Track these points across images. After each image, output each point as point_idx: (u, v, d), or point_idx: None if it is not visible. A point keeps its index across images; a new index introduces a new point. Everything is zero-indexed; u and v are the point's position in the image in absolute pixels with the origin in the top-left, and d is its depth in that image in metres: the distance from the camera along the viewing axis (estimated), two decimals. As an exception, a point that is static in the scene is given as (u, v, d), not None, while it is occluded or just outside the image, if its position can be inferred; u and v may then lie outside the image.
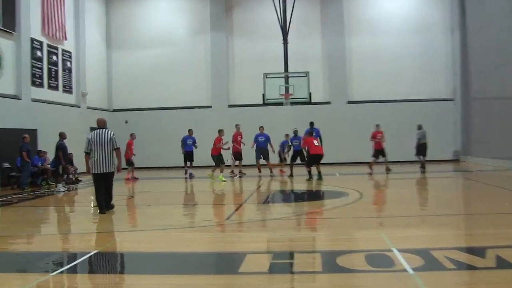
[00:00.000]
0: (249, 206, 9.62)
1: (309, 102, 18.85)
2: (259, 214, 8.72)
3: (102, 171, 8.72)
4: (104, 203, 8.78)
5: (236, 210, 9.04)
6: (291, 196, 11.69)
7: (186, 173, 16.91)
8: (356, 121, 21.72)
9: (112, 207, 8.96)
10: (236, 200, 10.78)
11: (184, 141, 17.17)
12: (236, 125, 17.63)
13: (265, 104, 19.26)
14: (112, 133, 8.88)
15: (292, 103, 18.88)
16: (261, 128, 17.35)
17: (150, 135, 22.42)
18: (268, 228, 7.28)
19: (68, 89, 19.62)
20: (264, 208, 9.45)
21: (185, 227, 7.38)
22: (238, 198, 11.11)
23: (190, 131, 17.37)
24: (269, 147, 16.90)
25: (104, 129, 8.88)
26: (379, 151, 16.65)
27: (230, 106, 22.55)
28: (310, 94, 18.67)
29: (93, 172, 8.77)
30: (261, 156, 16.84)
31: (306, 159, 14.81)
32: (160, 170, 21.26)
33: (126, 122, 22.69)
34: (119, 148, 8.92)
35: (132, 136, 16.79)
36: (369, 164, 16.94)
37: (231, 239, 6.53)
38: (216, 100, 22.57)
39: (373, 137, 16.82)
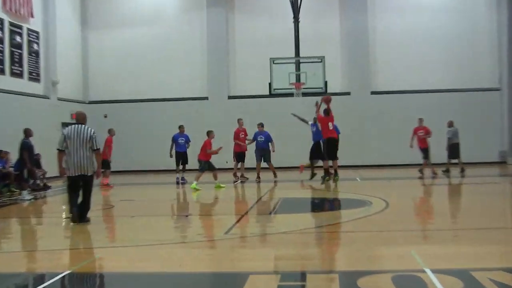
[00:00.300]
0: (253, 217, 9.74)
1: (325, 93, 18.89)
2: (264, 226, 8.81)
3: (77, 174, 8.76)
4: (78, 213, 8.81)
5: (237, 222, 9.07)
6: (302, 206, 11.75)
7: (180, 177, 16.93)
8: (381, 116, 21.90)
9: (87, 220, 8.94)
10: (237, 210, 10.80)
11: (175, 140, 17.19)
12: (239, 120, 17.68)
13: (272, 95, 19.39)
14: (92, 131, 8.92)
15: (305, 94, 18.93)
16: (260, 125, 17.32)
17: (134, 133, 22.47)
18: (275, 243, 7.31)
19: (35, 77, 19.64)
20: (270, 220, 9.54)
21: (176, 243, 7.41)
22: (239, 208, 11.15)
23: (181, 128, 17.43)
24: (270, 147, 16.92)
25: (83, 126, 8.92)
26: (423, 150, 16.74)
27: (230, 97, 22.57)
28: (326, 83, 18.82)
29: (68, 174, 8.82)
30: (262, 158, 16.88)
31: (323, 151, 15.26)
32: (146, 174, 21.37)
33: (105, 116, 22.75)
34: (99, 149, 8.98)
35: (111, 132, 16.68)
36: (421, 166, 16.91)
37: (231, 257, 6.55)
38: (213, 90, 22.58)
39: (414, 133, 16.84)
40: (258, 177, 16.64)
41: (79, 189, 8.88)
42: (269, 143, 16.85)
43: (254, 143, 17.19)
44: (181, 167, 17.01)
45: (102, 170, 15.20)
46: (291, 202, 12.13)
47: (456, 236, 7.40)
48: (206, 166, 14.89)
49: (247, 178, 16.90)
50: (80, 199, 8.92)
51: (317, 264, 6.07)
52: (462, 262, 5.70)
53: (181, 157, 17.02)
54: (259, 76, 20.83)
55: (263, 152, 16.85)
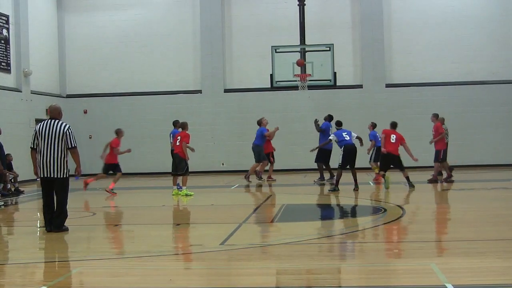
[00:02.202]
0: (252, 226, 9.81)
1: (334, 85, 19.01)
2: (265, 236, 8.90)
3: (46, 175, 8.84)
4: (50, 219, 8.83)
5: (235, 231, 9.09)
6: (308, 213, 11.84)
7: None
8: (397, 112, 21.70)
9: (62, 227, 8.95)
10: (234, 218, 10.80)
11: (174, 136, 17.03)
12: (262, 120, 17.62)
13: (273, 88, 19.64)
14: (67, 126, 8.94)
15: (311, 87, 19.17)
16: (262, 120, 17.56)
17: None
18: (277, 255, 7.33)
19: (4, 67, 19.68)
20: (272, 229, 9.62)
21: (166, 255, 7.43)
22: (238, 215, 11.15)
23: (177, 124, 17.18)
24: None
25: (56, 121, 8.96)
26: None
27: (226, 91, 22.68)
28: (335, 74, 18.89)
29: (39, 176, 8.92)
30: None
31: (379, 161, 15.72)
32: (133, 178, 21.40)
33: (85, 112, 22.83)
34: (75, 147, 8.99)
35: (119, 134, 15.77)
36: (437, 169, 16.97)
37: (228, 271, 6.57)
38: (207, 83, 22.69)
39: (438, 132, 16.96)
40: (270, 177, 17.52)
41: (51, 192, 8.92)
42: (261, 141, 17.25)
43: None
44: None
45: (111, 172, 15.38)
46: (295, 209, 12.20)
47: (481, 247, 7.41)
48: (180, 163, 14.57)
49: (274, 180, 17.54)
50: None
51: (325, 279, 6.08)
52: (488, 276, 5.72)
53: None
54: (259, 66, 20.90)
55: (254, 152, 17.28)
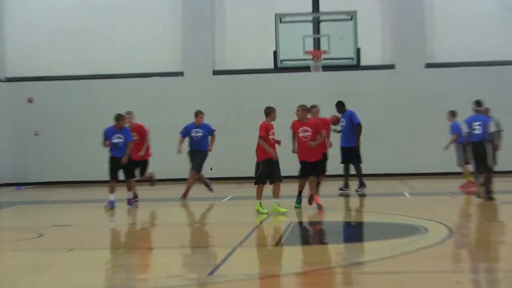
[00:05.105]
0: (250, 250, 9.76)
1: (357, 66, 19.02)
2: (266, 264, 8.86)
3: None
4: None
5: (228, 257, 9.05)
6: (322, 233, 11.90)
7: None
8: (440, 99, 22.00)
9: None
10: (227, 240, 10.81)
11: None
12: (313, 107, 16.10)
13: (278, 69, 19.56)
14: None
15: (327, 68, 19.10)
16: (199, 114, 16.94)
17: (76, 124, 22.54)
18: (283, 290, 7.28)
19: None
20: (275, 254, 9.60)
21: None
22: (231, 236, 11.17)
23: (120, 119, 16.78)
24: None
25: None
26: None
27: (216, 73, 22.89)
28: (358, 51, 18.79)
29: None
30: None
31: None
32: (93, 187, 21.39)
33: (30, 100, 22.81)
34: None
35: (129, 116, 16.12)
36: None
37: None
38: (191, 63, 22.91)
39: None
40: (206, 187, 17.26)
41: None
42: (210, 140, 16.89)
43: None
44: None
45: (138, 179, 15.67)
46: (306, 228, 12.27)
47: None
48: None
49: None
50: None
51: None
52: None
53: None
54: (259, 42, 20.94)
55: (196, 155, 16.79)
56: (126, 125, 15.56)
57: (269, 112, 13.65)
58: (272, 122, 13.76)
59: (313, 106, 15.19)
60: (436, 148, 21.27)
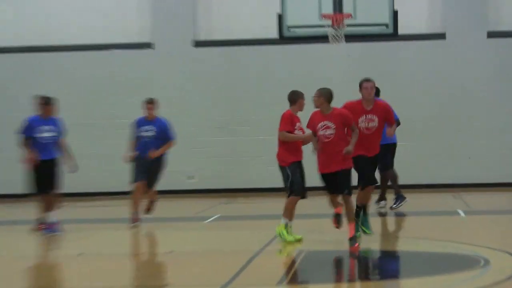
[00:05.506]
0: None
1: (394, 35, 19.38)
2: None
3: None
4: None
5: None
6: (344, 266, 12.04)
7: None
8: (508, 77, 22.45)
9: None
10: (211, 276, 10.92)
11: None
12: (366, 81, 16.33)
13: (284, 39, 19.74)
14: None
15: (351, 38, 19.27)
16: (149, 104, 16.74)
17: (10, 113, 22.62)
18: None
19: None
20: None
21: None
22: (217, 271, 11.25)
23: (150, 104, 16.89)
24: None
25: None
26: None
27: (199, 44, 23.23)
28: (395, 15, 19.03)
29: None
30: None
31: None
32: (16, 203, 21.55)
33: None
34: None
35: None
36: None
37: None
38: (164, 31, 23.25)
39: None
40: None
41: None
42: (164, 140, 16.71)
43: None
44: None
45: None
46: (322, 259, 12.22)
47: None
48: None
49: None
50: None
51: None
52: None
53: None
54: (258, 2, 20.99)
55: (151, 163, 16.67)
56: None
57: (296, 98, 13.29)
58: (299, 113, 13.43)
59: (366, 80, 14.31)
60: (503, 149, 21.60)
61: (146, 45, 23.27)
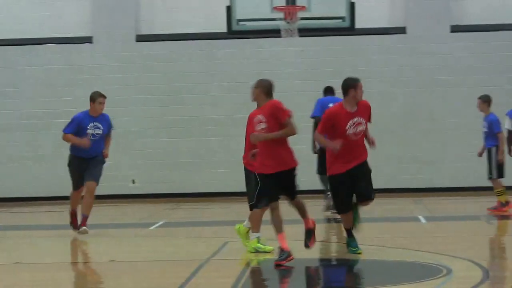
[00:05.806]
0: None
1: (350, 29, 19.29)
2: None
3: None
4: None
5: None
6: (299, 276, 11.69)
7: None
8: (475, 78, 22.32)
9: None
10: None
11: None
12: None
13: (233, 33, 19.71)
14: None
15: (305, 32, 19.19)
16: (98, 99, 16.22)
17: None
18: None
19: None
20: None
21: None
22: (158, 284, 11.04)
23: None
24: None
25: None
26: None
27: (141, 39, 23.23)
28: (352, 7, 18.96)
29: None
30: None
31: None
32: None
33: None
34: None
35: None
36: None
37: None
38: (104, 24, 23.14)
39: None
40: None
41: None
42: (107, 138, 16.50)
43: None
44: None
45: None
46: (274, 270, 11.61)
47: None
48: None
49: None
50: None
51: None
52: None
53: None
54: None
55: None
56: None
57: (268, 87, 12.56)
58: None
59: (358, 80, 13.13)
60: (467, 152, 21.16)
61: (86, 39, 23.08)
